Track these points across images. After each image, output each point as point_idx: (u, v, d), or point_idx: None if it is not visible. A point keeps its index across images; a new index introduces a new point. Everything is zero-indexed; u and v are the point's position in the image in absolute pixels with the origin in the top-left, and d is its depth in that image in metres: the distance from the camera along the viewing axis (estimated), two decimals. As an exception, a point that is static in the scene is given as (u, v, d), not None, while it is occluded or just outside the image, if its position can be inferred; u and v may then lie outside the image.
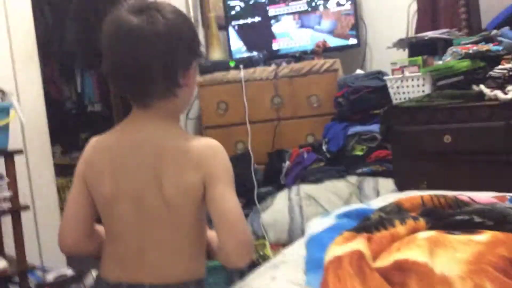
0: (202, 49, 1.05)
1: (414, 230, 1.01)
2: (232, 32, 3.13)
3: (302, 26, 3.02)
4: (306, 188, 2.35)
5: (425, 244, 0.90)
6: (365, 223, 1.09)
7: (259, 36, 3.10)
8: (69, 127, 4.19)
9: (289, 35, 3.05)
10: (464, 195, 1.22)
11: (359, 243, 0.98)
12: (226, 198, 0.94)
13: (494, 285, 0.82)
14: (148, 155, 0.97)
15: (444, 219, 1.03)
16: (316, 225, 1.33)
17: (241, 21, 3.11)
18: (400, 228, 1.01)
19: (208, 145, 0.98)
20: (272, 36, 3.08)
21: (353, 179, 2.33)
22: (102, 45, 0.98)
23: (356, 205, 1.48)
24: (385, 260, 0.92)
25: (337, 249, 0.99)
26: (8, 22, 2.29)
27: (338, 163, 2.43)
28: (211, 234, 1.05)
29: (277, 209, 2.34)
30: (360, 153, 2.40)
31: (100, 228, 1.07)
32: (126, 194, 0.97)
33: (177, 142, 0.98)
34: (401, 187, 2.19)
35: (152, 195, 0.96)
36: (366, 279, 0.89)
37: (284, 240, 2.28)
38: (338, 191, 2.30)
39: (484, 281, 0.83)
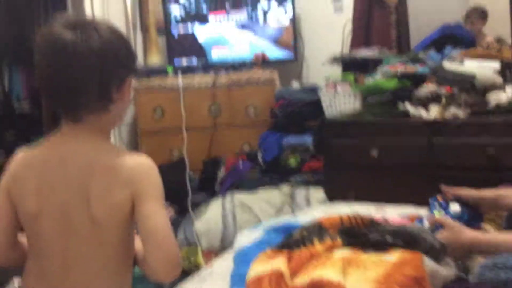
0: (137, 64, 1.05)
1: (331, 248, 1.07)
2: (171, 37, 3.11)
3: (242, 36, 3.06)
4: (240, 196, 2.38)
5: (339, 263, 0.97)
6: (287, 241, 1.15)
7: (198, 43, 3.10)
8: (-4, 126, 3.97)
9: (228, 43, 3.08)
10: (380, 216, 1.31)
11: (280, 262, 1.03)
12: (155, 215, 0.93)
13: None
14: (76, 171, 0.96)
15: (360, 237, 1.10)
16: (244, 238, 1.37)
17: (181, 27, 3.10)
18: (318, 246, 1.08)
19: (139, 162, 0.98)
20: (211, 44, 3.09)
21: (286, 188, 2.39)
22: (35, 58, 0.97)
23: (284, 219, 1.53)
24: (302, 279, 0.98)
25: (259, 267, 1.03)
26: None
27: (272, 173, 2.48)
28: (138, 243, 1.05)
29: (210, 216, 2.35)
30: (293, 163, 2.47)
31: (23, 239, 1.04)
32: (51, 210, 0.96)
33: (107, 158, 0.97)
34: (330, 196, 2.27)
35: (78, 211, 0.95)
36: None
37: (217, 248, 2.29)
38: (271, 199, 2.34)
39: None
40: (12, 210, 1.00)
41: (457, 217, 1.23)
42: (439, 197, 1.32)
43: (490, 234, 1.22)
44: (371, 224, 1.22)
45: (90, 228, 0.95)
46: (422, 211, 1.45)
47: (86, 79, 0.94)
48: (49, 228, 0.96)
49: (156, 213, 0.94)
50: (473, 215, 1.27)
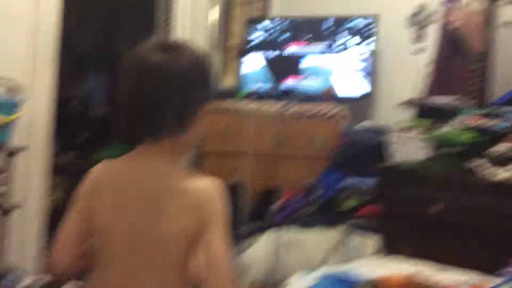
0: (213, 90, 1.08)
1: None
2: (248, 62, 3.15)
3: (319, 68, 3.03)
4: (292, 232, 2.33)
5: None
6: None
7: (275, 70, 3.11)
8: (69, 128, 4.21)
9: (304, 74, 3.06)
10: (443, 284, 1.20)
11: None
12: (214, 244, 0.94)
13: None
14: (148, 191, 0.99)
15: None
16: (297, 283, 1.33)
17: (260, 53, 3.13)
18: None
19: (208, 187, 0.98)
20: (287, 73, 3.09)
21: (339, 230, 2.31)
22: (120, 78, 1.01)
23: (338, 268, 1.47)
24: None
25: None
26: (38, 19, 2.32)
27: (327, 212, 2.41)
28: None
29: (259, 249, 2.32)
30: (351, 204, 2.38)
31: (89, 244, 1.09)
32: (121, 225, 0.99)
33: (178, 182, 0.99)
34: (386, 246, 2.17)
35: (146, 231, 0.98)
36: None
37: (260, 282, 2.26)
38: (324, 241, 2.28)
39: None
40: (87, 221, 1.03)
41: None
42: None
43: None
44: None
45: (154, 248, 0.97)
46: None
47: (168, 101, 0.97)
48: (117, 242, 0.99)
49: (217, 241, 0.94)
50: None
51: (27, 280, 2.20)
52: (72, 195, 1.08)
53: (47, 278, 2.28)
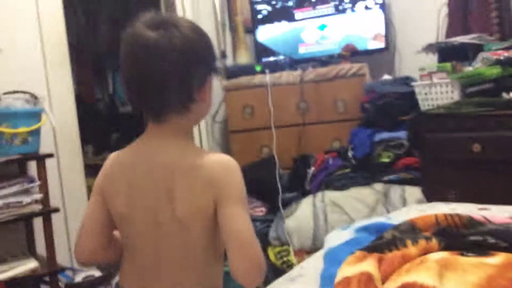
0: (219, 64, 1.05)
1: (426, 251, 1.00)
2: (259, 36, 3.13)
3: (330, 29, 2.99)
4: (331, 195, 2.34)
5: (435, 266, 0.89)
6: (377, 243, 1.08)
7: (286, 40, 3.09)
8: (101, 128, 4.29)
9: (316, 38, 3.03)
10: (481, 214, 1.19)
11: (369, 264, 0.97)
12: (237, 219, 0.93)
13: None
14: (161, 172, 0.98)
15: (458, 239, 1.02)
16: (334, 238, 1.33)
17: (268, 25, 3.11)
18: (411, 249, 1.00)
19: (221, 162, 0.98)
20: (299, 40, 3.06)
21: (379, 186, 2.30)
22: (119, 59, 0.99)
23: (376, 219, 1.46)
24: (394, 282, 0.91)
25: (347, 269, 0.99)
26: (41, 26, 2.34)
27: (364, 170, 2.40)
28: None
29: (301, 215, 2.33)
30: (386, 160, 2.36)
31: (117, 233, 1.09)
32: (141, 210, 0.99)
33: (190, 159, 0.98)
34: (428, 196, 2.15)
35: (165, 212, 0.97)
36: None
37: (308, 247, 2.28)
38: (364, 198, 2.27)
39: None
40: (105, 210, 1.04)
41: None
42: None
43: None
44: (471, 223, 1.12)
45: (176, 228, 0.96)
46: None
47: (168, 77, 0.95)
48: (140, 228, 0.99)
49: (238, 216, 0.93)
50: None
51: (79, 277, 2.28)
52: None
53: (98, 274, 2.36)
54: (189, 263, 0.99)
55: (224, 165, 0.97)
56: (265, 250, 2.38)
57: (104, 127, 4.36)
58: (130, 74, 0.98)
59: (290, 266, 2.23)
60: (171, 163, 0.97)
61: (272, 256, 2.34)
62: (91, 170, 3.19)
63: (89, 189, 2.80)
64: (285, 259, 2.32)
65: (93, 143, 4.16)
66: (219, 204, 0.94)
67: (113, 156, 1.07)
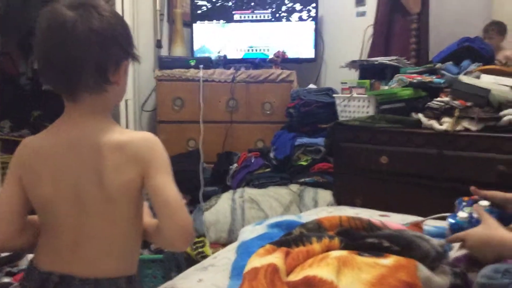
0: (136, 51, 1.07)
1: (328, 248, 1.10)
2: (196, 31, 3.18)
3: (264, 34, 3.11)
4: (250, 192, 2.43)
5: (334, 262, 0.99)
6: (286, 238, 1.18)
7: (221, 39, 3.16)
8: (21, 104, 4.10)
9: (250, 41, 3.13)
10: (379, 220, 1.34)
11: (277, 257, 1.06)
12: (166, 187, 0.96)
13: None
14: (86, 153, 0.98)
15: (357, 240, 1.13)
16: (248, 232, 1.42)
17: (206, 22, 3.16)
18: (316, 246, 1.10)
19: (145, 138, 1.00)
20: (234, 40, 3.15)
21: (295, 187, 2.44)
22: (35, 37, 0.97)
23: (287, 216, 1.57)
24: (297, 275, 1.01)
25: (256, 260, 1.07)
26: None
27: (283, 171, 2.53)
28: (147, 220, 1.09)
29: (220, 209, 2.40)
30: (304, 163, 2.51)
31: (33, 218, 1.08)
32: (65, 192, 0.98)
33: (113, 136, 0.99)
34: (338, 199, 2.32)
35: (91, 191, 0.97)
36: (275, 291, 0.97)
37: (224, 240, 2.35)
38: (280, 197, 2.39)
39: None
40: (22, 197, 1.02)
41: (488, 213, 1.14)
42: (465, 198, 1.27)
43: None
44: (370, 227, 1.24)
45: (102, 207, 0.98)
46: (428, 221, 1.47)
47: (84, 57, 0.95)
48: (63, 209, 0.99)
49: (167, 185, 0.96)
50: (502, 214, 1.19)
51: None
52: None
53: (4, 253, 2.28)
54: (109, 243, 1.01)
55: (148, 141, 1.00)
56: (181, 241, 2.42)
57: (24, 103, 4.17)
58: (45, 52, 0.97)
59: (204, 257, 2.28)
60: (96, 142, 0.98)
61: (188, 247, 2.39)
62: (7, 145, 3.07)
63: (3, 164, 2.70)
64: (200, 250, 2.38)
65: (10, 118, 3.96)
66: (147, 176, 0.97)
67: (27, 142, 1.04)
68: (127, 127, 2.96)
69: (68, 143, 0.99)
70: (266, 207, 2.36)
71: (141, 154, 0.97)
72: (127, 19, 2.85)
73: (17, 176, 1.02)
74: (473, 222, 1.14)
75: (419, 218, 1.50)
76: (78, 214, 0.99)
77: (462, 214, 1.17)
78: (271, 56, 2.99)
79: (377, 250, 1.08)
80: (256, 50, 3.13)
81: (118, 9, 2.83)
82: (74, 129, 1.00)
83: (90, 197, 0.98)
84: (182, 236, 0.96)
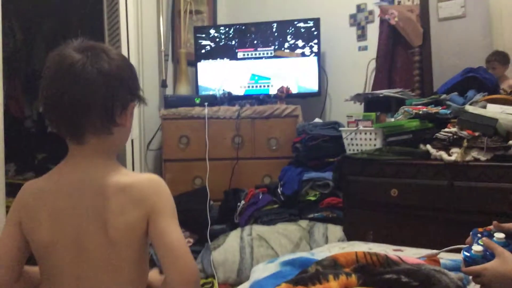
0: (142, 93, 1.07)
1: (346, 286, 1.08)
2: (200, 70, 3.21)
3: (268, 70, 3.14)
4: (259, 229, 2.39)
5: None
6: (301, 276, 1.15)
7: (226, 76, 3.19)
8: (26, 146, 4.12)
9: (254, 78, 3.16)
10: (395, 254, 1.31)
11: (294, 297, 1.04)
12: (170, 231, 0.94)
13: None
14: (89, 196, 0.96)
15: (375, 276, 1.10)
16: (260, 271, 1.39)
17: (211, 60, 3.21)
18: (333, 283, 1.07)
19: (150, 179, 0.99)
20: (238, 77, 3.18)
21: (304, 223, 2.40)
22: (42, 78, 0.97)
23: (300, 254, 1.54)
24: None
25: (272, 301, 1.04)
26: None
27: (291, 207, 2.50)
28: (152, 274, 1.07)
29: (228, 248, 2.36)
30: (313, 198, 2.48)
31: (31, 269, 1.05)
32: (65, 238, 0.96)
33: (117, 179, 0.97)
34: (349, 235, 2.28)
35: (93, 236, 0.95)
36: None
37: (233, 280, 2.29)
38: (289, 234, 2.35)
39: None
40: (22, 242, 1.00)
41: (502, 246, 1.13)
42: (479, 229, 1.25)
43: None
44: (387, 262, 1.22)
45: (105, 252, 0.95)
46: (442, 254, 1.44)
47: (91, 98, 0.95)
48: (63, 255, 0.96)
49: (171, 229, 0.95)
50: None
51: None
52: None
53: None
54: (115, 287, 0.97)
55: (153, 183, 0.99)
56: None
57: (29, 146, 4.19)
58: (52, 93, 0.96)
59: (213, 298, 2.24)
60: (99, 184, 0.96)
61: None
62: (11, 189, 3.05)
63: (8, 208, 2.68)
64: (208, 291, 2.33)
65: (15, 161, 3.97)
66: (152, 220, 0.95)
67: (28, 186, 1.03)
68: (133, 166, 2.95)
69: (69, 186, 0.98)
70: (275, 244, 2.32)
71: (146, 197, 0.96)
72: (133, 59, 2.89)
73: (16, 220, 1.00)
74: (487, 256, 1.12)
75: (434, 251, 1.47)
76: (80, 261, 0.96)
77: (477, 248, 1.15)
78: (274, 91, 3.00)
79: (396, 286, 1.05)
80: (261, 86, 3.15)
81: (124, 49, 2.88)
82: (77, 171, 0.99)
83: (92, 242, 0.95)
84: (187, 283, 0.93)
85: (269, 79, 3.14)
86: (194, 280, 0.94)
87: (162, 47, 3.22)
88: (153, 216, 0.95)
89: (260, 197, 2.57)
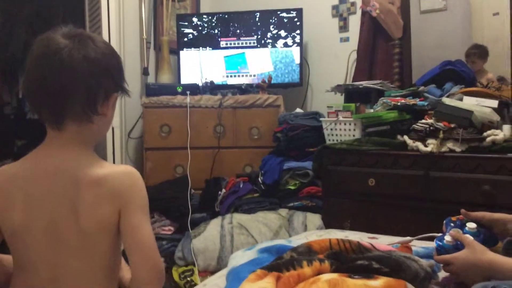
0: (126, 85, 1.07)
1: (319, 272, 1.10)
2: (182, 58, 3.21)
3: (250, 60, 3.15)
4: (239, 217, 2.42)
5: (325, 286, 0.99)
6: (277, 262, 1.17)
7: (208, 65, 3.19)
8: (6, 133, 4.06)
9: (236, 67, 3.17)
10: (369, 242, 1.34)
11: (268, 282, 1.05)
12: (141, 227, 0.96)
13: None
14: (63, 184, 0.96)
15: (347, 262, 1.13)
16: (238, 258, 1.41)
17: (193, 49, 3.20)
18: (306, 269, 1.10)
19: (125, 173, 0.99)
20: (220, 67, 3.18)
21: (284, 212, 2.43)
22: (27, 61, 0.98)
23: (277, 241, 1.57)
24: None
25: (247, 286, 1.06)
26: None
27: (271, 195, 2.53)
28: (123, 270, 1.08)
29: (208, 236, 2.38)
30: (293, 187, 2.51)
31: (4, 257, 1.05)
32: (39, 223, 0.96)
33: (92, 170, 0.97)
34: (327, 223, 2.32)
35: (66, 224, 0.95)
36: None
37: (213, 267, 2.32)
38: (269, 222, 2.38)
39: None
40: None
41: (474, 236, 1.19)
42: (453, 218, 1.29)
43: None
44: (359, 249, 1.25)
45: (78, 240, 0.95)
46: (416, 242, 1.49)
47: (74, 85, 0.95)
48: (37, 241, 0.96)
49: (142, 226, 0.96)
50: (489, 236, 1.23)
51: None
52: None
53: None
54: (87, 279, 0.98)
55: (128, 176, 0.99)
56: (169, 270, 2.39)
57: (9, 133, 4.13)
58: (36, 76, 0.96)
59: (193, 286, 2.25)
60: (74, 174, 0.96)
61: (176, 276, 2.34)
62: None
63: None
64: (188, 279, 2.34)
65: (-6, 149, 3.92)
66: (124, 214, 0.96)
67: (2, 170, 1.02)
68: (113, 154, 2.94)
69: (44, 172, 0.97)
70: (255, 232, 2.35)
71: (120, 191, 0.97)
72: (114, 46, 2.83)
73: None
74: (458, 246, 1.17)
75: (407, 238, 1.51)
76: (53, 248, 0.96)
77: (449, 238, 1.19)
78: (258, 81, 3.01)
79: (367, 272, 1.08)
80: (243, 75, 3.16)
81: (105, 36, 2.85)
82: (53, 158, 0.98)
83: (66, 230, 0.96)
84: (154, 277, 0.96)
85: (250, 68, 3.15)
86: (160, 277, 0.97)
87: (144, 34, 3.20)
88: (126, 211, 0.96)
89: (241, 186, 2.59)
